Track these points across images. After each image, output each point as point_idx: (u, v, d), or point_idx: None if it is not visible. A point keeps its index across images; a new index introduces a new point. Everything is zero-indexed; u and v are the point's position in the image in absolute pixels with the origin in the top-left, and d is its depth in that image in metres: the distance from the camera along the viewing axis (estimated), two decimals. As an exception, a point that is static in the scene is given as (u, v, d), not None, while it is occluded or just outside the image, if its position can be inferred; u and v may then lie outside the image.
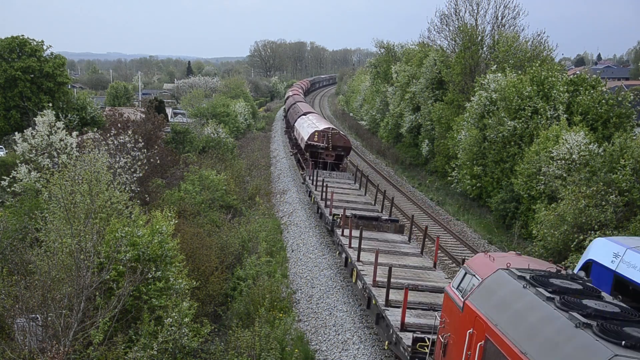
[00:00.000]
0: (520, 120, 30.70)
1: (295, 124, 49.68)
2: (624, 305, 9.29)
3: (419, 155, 49.74)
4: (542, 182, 26.76)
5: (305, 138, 39.29)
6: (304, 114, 51.35)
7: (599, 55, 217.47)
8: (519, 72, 35.31)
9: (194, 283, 16.88)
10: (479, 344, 9.75)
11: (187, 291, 16.04)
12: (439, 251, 24.13)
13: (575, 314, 8.31)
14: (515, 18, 42.86)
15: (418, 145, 50.05)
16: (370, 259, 19.19)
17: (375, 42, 71.02)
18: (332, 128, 40.04)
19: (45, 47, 48.88)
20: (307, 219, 32.12)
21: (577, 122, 28.23)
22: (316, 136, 38.58)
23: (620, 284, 13.10)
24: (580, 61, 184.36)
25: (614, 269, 13.29)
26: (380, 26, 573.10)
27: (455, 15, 44.38)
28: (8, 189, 25.69)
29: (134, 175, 26.24)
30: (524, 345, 8.49)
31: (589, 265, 14.32)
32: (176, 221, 17.69)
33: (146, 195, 27.50)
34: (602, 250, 14.05)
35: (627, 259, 13.03)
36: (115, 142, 27.52)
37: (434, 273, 19.46)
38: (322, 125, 41.76)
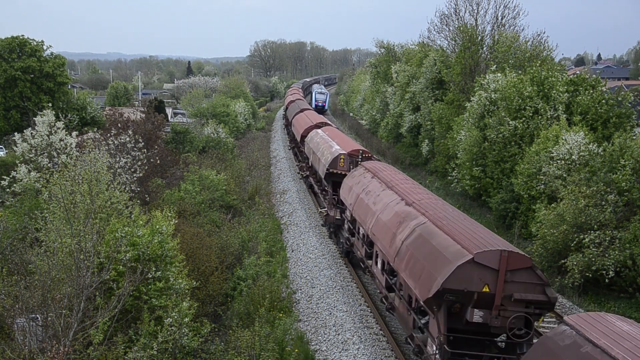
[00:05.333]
0: (521, 120, 30.70)
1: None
2: None
3: (419, 155, 49.75)
4: (542, 182, 26.76)
5: (439, 278, 13.48)
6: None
7: (599, 55, 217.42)
8: (519, 72, 35.32)
9: (194, 283, 16.88)
10: None
11: (187, 291, 16.04)
12: None
13: None
14: (515, 18, 43.02)
15: (418, 145, 50.06)
16: None
17: (375, 42, 71.26)
18: (511, 252, 13.41)
19: (45, 47, 48.93)
20: (307, 219, 32.13)
21: (576, 122, 28.24)
22: (468, 270, 13.26)
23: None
24: (580, 61, 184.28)
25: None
26: (380, 26, 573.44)
27: (455, 15, 44.48)
28: (8, 189, 25.68)
29: (134, 175, 26.23)
30: None
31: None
32: (176, 221, 17.69)
33: (146, 195, 27.49)
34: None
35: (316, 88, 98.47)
36: (115, 142, 27.52)
37: None
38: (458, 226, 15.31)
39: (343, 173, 26.97)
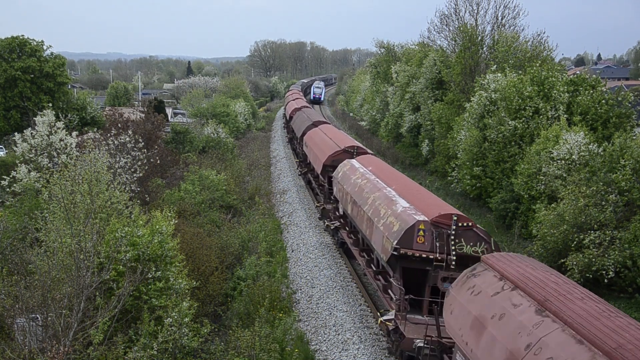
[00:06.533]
0: (521, 120, 30.71)
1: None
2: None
3: (419, 155, 49.75)
4: (542, 182, 26.76)
5: None
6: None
7: (599, 55, 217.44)
8: (519, 72, 35.33)
9: (194, 283, 16.88)
10: None
11: (187, 291, 16.04)
12: None
13: None
14: (515, 18, 43.06)
15: (418, 145, 50.07)
16: None
17: (375, 42, 71.29)
18: None
19: (45, 47, 48.98)
20: (307, 218, 32.12)
21: (576, 122, 28.24)
22: None
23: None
24: (580, 61, 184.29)
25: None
26: (380, 26, 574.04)
27: (455, 15, 44.52)
28: (8, 189, 25.69)
29: (134, 175, 26.24)
30: None
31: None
32: (176, 221, 17.69)
33: (146, 195, 27.49)
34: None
35: (315, 84, 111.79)
36: (115, 142, 27.52)
37: None
38: None
39: (424, 256, 16.01)
